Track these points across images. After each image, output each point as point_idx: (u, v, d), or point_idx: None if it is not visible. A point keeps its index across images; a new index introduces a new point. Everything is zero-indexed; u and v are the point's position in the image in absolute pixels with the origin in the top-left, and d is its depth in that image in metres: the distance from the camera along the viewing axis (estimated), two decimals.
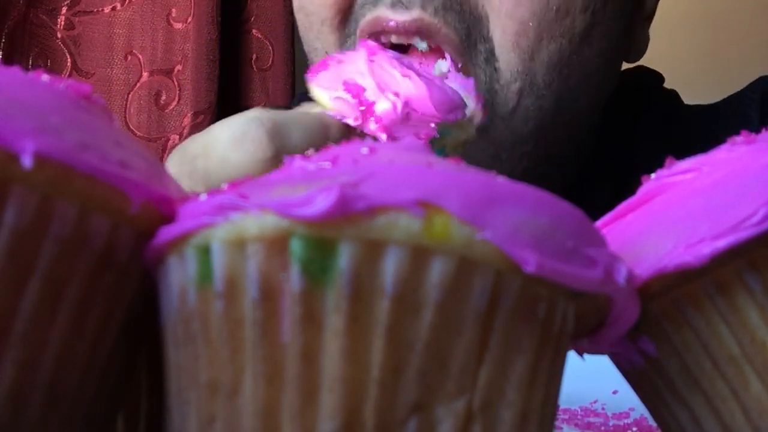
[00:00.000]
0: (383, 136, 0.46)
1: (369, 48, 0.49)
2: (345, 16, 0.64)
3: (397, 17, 0.59)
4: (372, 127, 0.46)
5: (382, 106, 0.46)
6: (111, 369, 0.25)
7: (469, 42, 0.60)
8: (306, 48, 0.71)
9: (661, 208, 0.29)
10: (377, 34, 0.60)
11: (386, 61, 0.47)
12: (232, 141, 0.46)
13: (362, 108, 0.47)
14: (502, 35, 0.60)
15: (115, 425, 0.27)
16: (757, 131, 0.80)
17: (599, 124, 0.74)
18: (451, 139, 0.48)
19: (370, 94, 0.47)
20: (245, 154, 0.45)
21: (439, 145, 0.48)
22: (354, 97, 0.47)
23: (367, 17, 0.61)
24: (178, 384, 0.23)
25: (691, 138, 0.73)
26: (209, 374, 0.22)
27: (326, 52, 0.66)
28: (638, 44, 0.71)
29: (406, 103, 0.46)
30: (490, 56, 0.61)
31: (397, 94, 0.46)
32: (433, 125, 0.46)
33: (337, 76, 0.49)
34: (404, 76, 0.46)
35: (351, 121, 0.47)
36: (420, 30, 0.59)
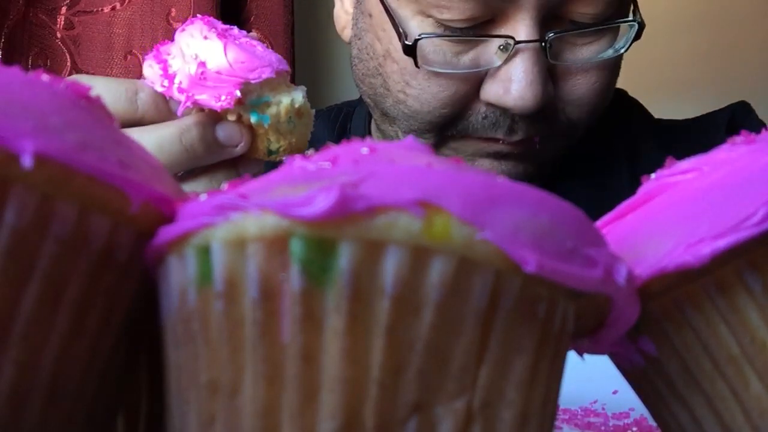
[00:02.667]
0: (182, 98, 0.46)
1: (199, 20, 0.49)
2: (453, 120, 0.69)
3: (509, 139, 0.68)
4: (176, 94, 0.47)
5: (182, 70, 0.47)
6: (111, 369, 0.25)
7: (555, 129, 0.70)
8: (369, 101, 0.75)
9: (661, 208, 0.29)
10: (479, 153, 0.70)
11: (197, 27, 0.47)
12: None
13: (164, 74, 0.47)
14: (579, 114, 0.70)
15: (115, 425, 0.27)
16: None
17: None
18: (272, 105, 0.48)
19: (176, 61, 0.47)
20: None
21: (259, 110, 0.48)
22: (159, 62, 0.48)
23: (482, 135, 0.69)
24: (178, 384, 0.23)
25: (674, 146, 0.78)
26: (209, 374, 0.22)
27: (399, 130, 0.72)
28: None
29: (201, 63, 0.46)
30: (570, 125, 0.71)
31: (195, 57, 0.46)
32: (235, 85, 0.46)
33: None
34: (204, 38, 0.46)
35: (159, 88, 0.48)
36: (519, 142, 0.69)
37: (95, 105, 0.25)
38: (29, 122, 0.21)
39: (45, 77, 0.24)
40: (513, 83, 0.64)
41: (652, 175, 0.30)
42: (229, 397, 0.22)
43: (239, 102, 0.47)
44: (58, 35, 1.22)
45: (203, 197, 0.24)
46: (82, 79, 0.48)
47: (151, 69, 0.48)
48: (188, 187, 0.49)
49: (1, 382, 0.21)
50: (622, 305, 0.25)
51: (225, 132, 0.49)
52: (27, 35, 1.20)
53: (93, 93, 0.47)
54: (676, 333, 0.27)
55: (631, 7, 0.70)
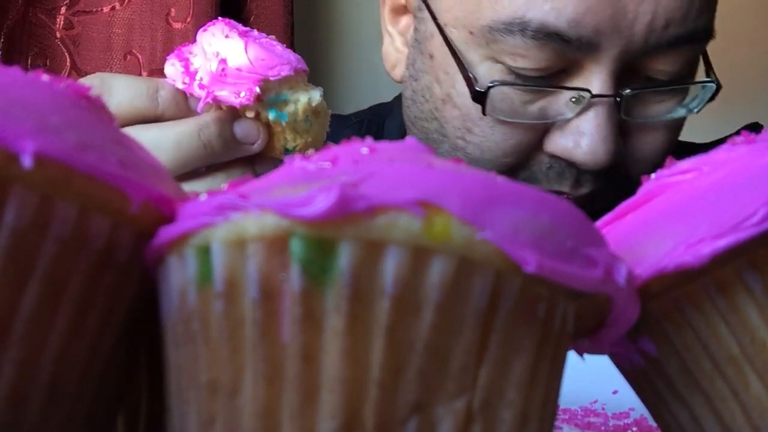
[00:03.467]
0: (202, 94, 0.47)
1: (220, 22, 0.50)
2: (514, 169, 0.66)
3: (574, 193, 0.66)
4: (197, 90, 0.48)
5: (203, 67, 0.48)
6: (111, 369, 0.25)
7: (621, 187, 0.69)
8: (427, 137, 0.70)
9: (661, 208, 0.29)
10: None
11: (219, 27, 0.48)
12: None
13: (185, 72, 0.48)
14: (641, 170, 0.66)
15: (115, 425, 0.27)
16: None
17: None
18: (290, 103, 0.48)
19: (197, 59, 0.49)
20: None
21: (279, 107, 0.48)
22: (180, 60, 0.49)
23: (549, 187, 0.66)
24: (178, 384, 0.23)
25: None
26: (209, 374, 0.22)
27: (461, 154, 0.68)
28: None
29: (222, 60, 0.47)
30: (626, 173, 0.67)
31: (216, 54, 0.47)
32: (254, 82, 0.47)
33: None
34: (226, 37, 0.48)
35: (180, 85, 0.49)
36: (583, 200, 0.66)
37: (95, 105, 0.25)
38: (29, 122, 0.21)
39: (45, 77, 0.24)
40: (584, 137, 0.62)
41: (652, 176, 0.30)
42: (229, 397, 0.22)
43: (258, 99, 0.47)
44: (58, 35, 1.22)
45: (203, 197, 0.24)
46: (106, 76, 0.49)
47: (172, 67, 0.49)
48: (204, 183, 0.50)
49: (1, 382, 0.21)
50: (622, 305, 0.25)
51: (242, 129, 0.49)
52: (26, 35, 1.20)
53: (116, 90, 0.47)
54: (676, 333, 0.27)
55: (706, 67, 0.69)
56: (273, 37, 0.51)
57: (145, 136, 0.46)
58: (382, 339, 0.21)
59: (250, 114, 0.48)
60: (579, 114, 0.63)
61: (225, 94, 0.47)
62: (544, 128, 0.65)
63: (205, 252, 0.22)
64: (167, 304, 0.24)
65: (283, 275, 0.21)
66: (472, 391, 0.22)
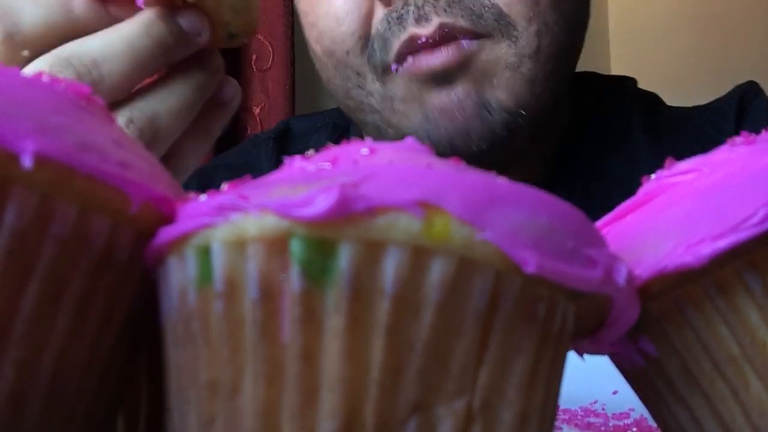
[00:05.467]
0: None
1: None
2: (366, 40, 0.71)
3: (424, 32, 0.68)
4: None
5: None
6: (111, 369, 0.25)
7: (477, 18, 0.68)
8: (337, 83, 0.76)
9: (661, 209, 0.29)
10: (411, 51, 0.69)
11: None
12: None
13: None
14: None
15: (115, 425, 0.27)
16: (735, 131, 0.82)
17: (573, 115, 0.82)
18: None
19: None
20: None
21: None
22: None
23: (401, 38, 0.69)
24: (178, 384, 0.23)
25: (674, 134, 0.78)
26: (209, 374, 0.22)
27: (358, 74, 0.73)
28: None
29: None
30: (500, 16, 0.69)
31: None
32: None
33: None
34: None
35: None
36: (443, 34, 0.68)
37: (95, 105, 0.25)
38: (29, 122, 0.21)
39: (45, 77, 0.24)
40: None
41: (652, 176, 0.30)
42: (229, 397, 0.22)
43: None
44: None
45: (203, 197, 0.24)
46: (8, 2, 0.45)
47: None
48: (174, 91, 0.46)
49: (1, 382, 0.21)
50: (622, 305, 0.25)
51: (188, 21, 0.45)
52: None
53: (24, 11, 0.43)
54: (676, 333, 0.27)
55: None
56: None
57: (92, 47, 0.43)
58: (382, 339, 0.21)
59: None
60: None
61: None
62: None
63: (205, 252, 0.22)
64: (167, 304, 0.24)
65: (283, 275, 0.21)
66: (472, 391, 0.22)
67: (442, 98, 0.69)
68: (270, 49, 1.36)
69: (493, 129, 0.69)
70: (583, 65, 0.88)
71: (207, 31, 0.46)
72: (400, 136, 0.70)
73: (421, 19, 0.68)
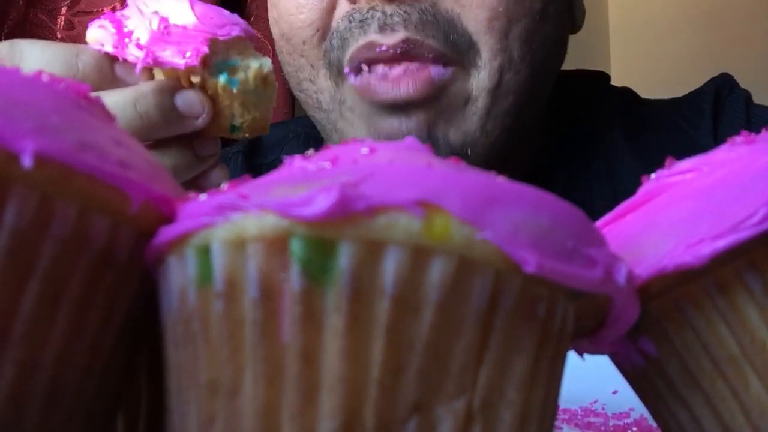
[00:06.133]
0: (140, 55, 0.42)
1: None
2: (324, 33, 0.68)
3: (386, 41, 0.64)
4: (133, 51, 0.42)
5: (142, 27, 0.42)
6: (111, 369, 0.25)
7: (449, 43, 0.65)
8: (289, 71, 0.74)
9: (661, 208, 0.29)
10: (368, 60, 0.65)
11: None
12: None
13: (118, 32, 0.43)
14: (476, 24, 0.66)
15: (115, 425, 0.27)
16: (713, 121, 0.81)
17: (551, 121, 0.80)
18: (239, 70, 0.43)
19: (132, 21, 0.43)
20: None
21: (229, 72, 0.43)
22: (112, 22, 0.44)
23: (359, 42, 0.65)
24: (178, 384, 0.23)
25: (649, 127, 0.78)
26: (209, 374, 0.22)
27: (312, 67, 0.70)
28: (578, 16, 0.79)
29: (164, 19, 0.42)
30: (470, 45, 0.66)
31: (156, 14, 0.42)
32: (202, 41, 0.42)
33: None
34: None
35: (109, 48, 0.43)
36: (407, 49, 0.64)
37: (95, 105, 0.25)
38: (29, 122, 0.21)
39: (45, 77, 0.24)
40: None
41: (652, 176, 0.30)
42: (229, 397, 0.22)
43: (204, 63, 0.42)
44: (58, 36, 1.22)
45: (203, 197, 0.24)
46: (17, 42, 0.45)
47: (100, 30, 0.44)
48: None
49: (1, 382, 0.21)
50: (622, 305, 0.25)
51: (185, 100, 0.43)
52: (27, 36, 1.20)
53: (28, 55, 0.43)
54: (676, 333, 0.27)
55: None
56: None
57: None
58: (382, 339, 0.21)
59: (195, 79, 0.43)
60: None
61: (168, 55, 0.42)
62: None
63: (205, 252, 0.22)
64: (167, 304, 0.24)
65: (283, 275, 0.21)
66: (472, 391, 0.22)
67: (392, 125, 0.66)
68: (270, 49, 1.36)
69: None
70: (583, 65, 0.88)
71: (206, 118, 0.44)
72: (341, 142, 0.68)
73: (386, 27, 0.64)
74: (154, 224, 0.24)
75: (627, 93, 0.86)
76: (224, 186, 0.24)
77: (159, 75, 0.45)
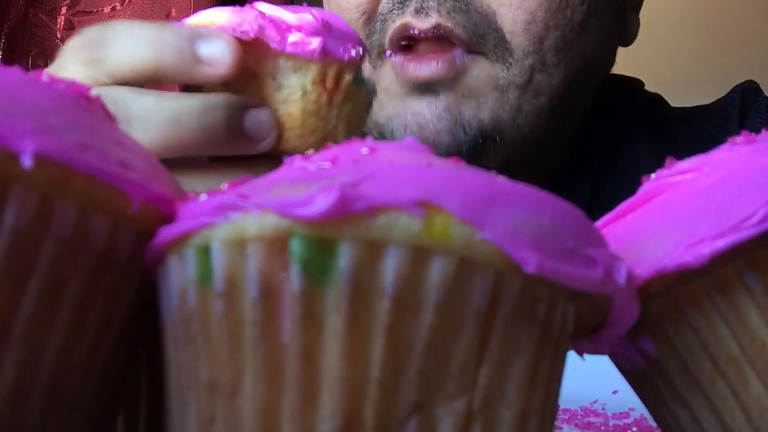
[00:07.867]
0: (296, 38, 0.38)
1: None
2: (369, 17, 0.71)
3: (419, 25, 0.67)
4: (292, 38, 0.38)
5: (298, 19, 0.39)
6: (111, 369, 0.25)
7: (477, 35, 0.68)
8: None
9: (661, 208, 0.29)
10: (404, 38, 0.68)
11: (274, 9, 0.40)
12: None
13: (273, 23, 0.39)
14: (512, 24, 0.68)
15: (115, 425, 0.27)
16: (740, 127, 0.81)
17: (583, 126, 0.80)
18: (369, 81, 0.42)
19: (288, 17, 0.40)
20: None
21: (368, 85, 0.41)
22: (263, 17, 0.39)
23: (396, 23, 0.68)
24: (178, 384, 0.23)
25: (676, 136, 0.78)
26: (209, 374, 0.22)
27: None
28: (630, 30, 0.80)
29: (322, 18, 0.39)
30: (501, 41, 0.68)
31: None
32: (350, 45, 0.39)
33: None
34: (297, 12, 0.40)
35: (250, 33, 0.39)
36: (437, 35, 0.67)
37: (95, 105, 0.25)
38: (29, 122, 0.21)
39: (45, 77, 0.24)
40: None
41: (652, 175, 0.30)
42: (229, 397, 0.22)
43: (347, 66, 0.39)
44: (58, 35, 1.22)
45: (203, 197, 0.24)
46: (116, 23, 0.41)
47: (241, 14, 0.39)
48: (189, 181, 0.39)
49: (1, 382, 0.21)
50: (622, 305, 0.25)
51: (256, 121, 0.40)
52: (27, 35, 1.20)
53: (115, 49, 0.40)
54: (676, 333, 0.27)
55: None
56: None
57: (138, 102, 0.39)
58: (382, 339, 0.21)
59: (349, 77, 0.39)
60: None
61: (333, 44, 0.39)
62: None
63: (205, 252, 0.22)
64: (167, 304, 0.24)
65: (283, 275, 0.21)
66: (472, 391, 0.22)
67: (421, 107, 0.68)
68: None
69: (459, 148, 0.68)
70: None
71: (272, 140, 0.40)
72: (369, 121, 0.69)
73: (421, 11, 0.67)
74: (154, 224, 0.24)
75: (656, 99, 0.87)
76: (224, 186, 0.24)
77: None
